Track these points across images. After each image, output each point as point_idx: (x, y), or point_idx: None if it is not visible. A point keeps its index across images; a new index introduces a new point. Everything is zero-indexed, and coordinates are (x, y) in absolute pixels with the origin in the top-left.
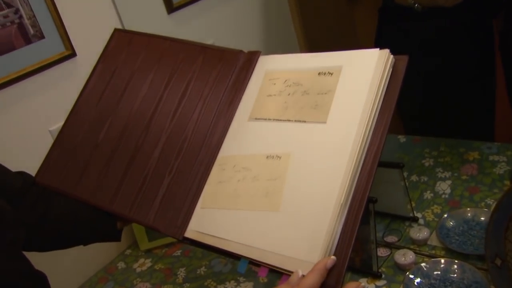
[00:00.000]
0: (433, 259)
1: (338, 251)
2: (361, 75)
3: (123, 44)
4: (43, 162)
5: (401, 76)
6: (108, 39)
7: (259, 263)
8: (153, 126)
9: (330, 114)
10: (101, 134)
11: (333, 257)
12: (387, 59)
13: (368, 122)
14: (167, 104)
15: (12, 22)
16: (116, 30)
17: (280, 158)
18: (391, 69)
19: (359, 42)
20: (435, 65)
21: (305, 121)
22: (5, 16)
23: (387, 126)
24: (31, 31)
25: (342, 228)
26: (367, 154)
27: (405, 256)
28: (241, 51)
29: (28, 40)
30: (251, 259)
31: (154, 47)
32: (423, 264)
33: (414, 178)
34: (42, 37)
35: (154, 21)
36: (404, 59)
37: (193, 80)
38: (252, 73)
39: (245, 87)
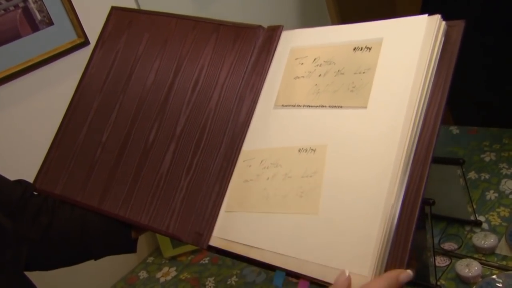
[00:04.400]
0: (505, 272)
1: (391, 260)
2: (406, 48)
3: (123, 25)
4: (42, 165)
5: (457, 46)
6: (105, 20)
7: (297, 274)
8: (165, 119)
9: (371, 98)
10: (106, 131)
11: (409, 271)
12: (439, 26)
13: (418, 105)
14: (179, 93)
15: (16, 6)
16: (113, 8)
17: (314, 151)
18: (443, 38)
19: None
20: (491, 41)
21: (341, 107)
22: (8, 0)
23: (442, 110)
24: (38, 16)
25: (394, 234)
26: (418, 144)
27: (469, 267)
28: (260, 26)
29: (35, 27)
30: (288, 270)
31: (159, 27)
32: (494, 277)
33: (472, 175)
34: (50, 23)
35: (174, 2)
36: (460, 24)
37: (206, 64)
38: (274, 52)
39: (267, 69)
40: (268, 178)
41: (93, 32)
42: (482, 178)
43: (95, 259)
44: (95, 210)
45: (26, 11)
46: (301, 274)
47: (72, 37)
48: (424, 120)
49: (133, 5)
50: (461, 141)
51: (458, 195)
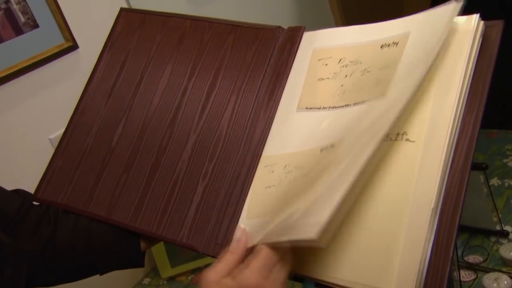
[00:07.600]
0: None
1: (431, 275)
2: (433, 37)
3: (133, 26)
4: (44, 175)
5: (495, 47)
6: (113, 22)
7: (327, 284)
8: (178, 125)
9: (391, 85)
10: (115, 137)
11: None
12: (477, 26)
13: (457, 108)
14: (193, 98)
15: None
16: (122, 9)
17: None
18: (481, 39)
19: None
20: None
21: (364, 101)
22: None
23: (481, 111)
24: (22, 18)
25: (433, 245)
26: (456, 150)
27: (498, 281)
28: (279, 27)
29: (18, 30)
30: (317, 279)
31: (172, 28)
32: None
33: (495, 181)
34: (35, 26)
35: (168, 3)
36: (499, 24)
37: (222, 67)
38: (295, 53)
39: (289, 72)
40: (290, 182)
41: (81, 35)
42: (506, 185)
43: (101, 274)
44: (102, 220)
45: (9, 13)
46: (330, 283)
47: (59, 41)
48: (462, 127)
49: (123, 6)
50: (481, 145)
51: (482, 203)
